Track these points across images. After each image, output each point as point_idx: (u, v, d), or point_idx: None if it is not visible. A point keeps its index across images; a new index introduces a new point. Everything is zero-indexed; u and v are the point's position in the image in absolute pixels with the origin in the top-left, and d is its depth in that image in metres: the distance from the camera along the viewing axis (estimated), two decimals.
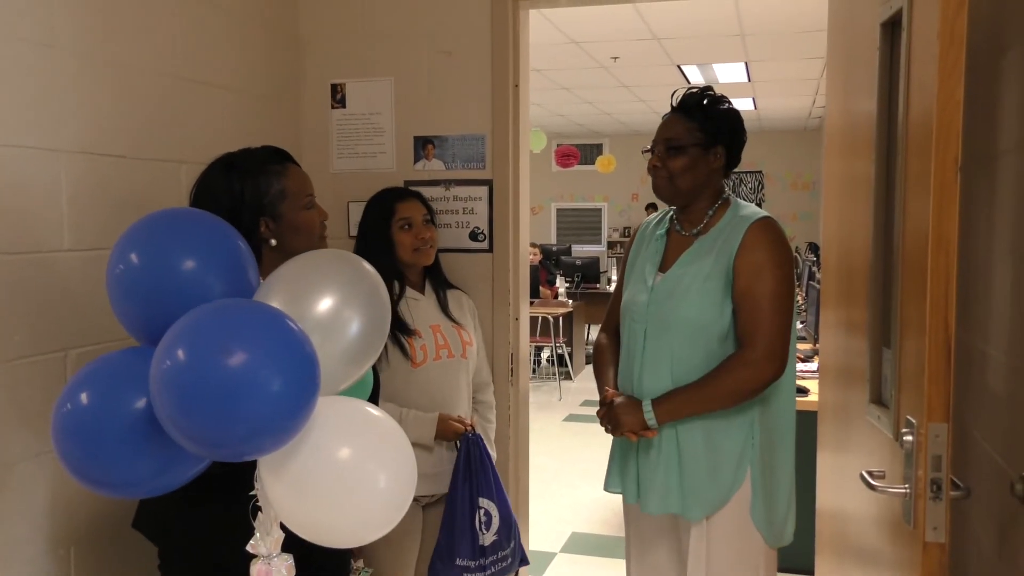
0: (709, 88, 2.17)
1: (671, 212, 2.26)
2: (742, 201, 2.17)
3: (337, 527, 1.40)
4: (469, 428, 2.37)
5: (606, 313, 2.40)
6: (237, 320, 1.31)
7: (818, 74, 8.39)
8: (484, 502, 2.30)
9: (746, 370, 1.99)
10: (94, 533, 1.99)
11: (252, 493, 1.44)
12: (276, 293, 1.44)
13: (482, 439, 2.38)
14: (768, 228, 2.06)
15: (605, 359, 2.30)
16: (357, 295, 1.48)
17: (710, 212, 2.14)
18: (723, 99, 2.17)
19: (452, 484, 2.32)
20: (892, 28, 1.72)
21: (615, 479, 2.25)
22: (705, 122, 2.11)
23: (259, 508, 1.44)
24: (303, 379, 1.30)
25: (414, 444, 2.32)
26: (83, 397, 1.36)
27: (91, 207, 1.97)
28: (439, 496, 2.44)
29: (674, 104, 2.17)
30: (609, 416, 2.12)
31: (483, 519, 2.30)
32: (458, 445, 2.35)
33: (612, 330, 2.33)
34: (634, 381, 2.14)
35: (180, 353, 1.25)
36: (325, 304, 1.44)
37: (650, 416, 2.03)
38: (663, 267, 2.17)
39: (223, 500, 1.55)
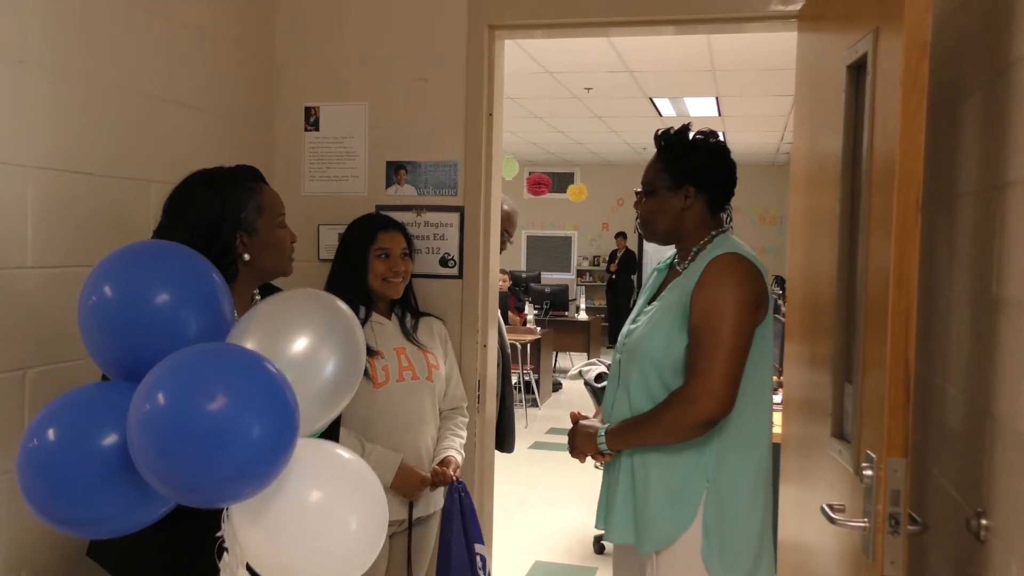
0: (686, 126, 2.17)
1: None
2: (732, 237, 2.14)
3: (308, 570, 1.39)
4: (454, 478, 2.39)
5: None
6: (217, 364, 1.31)
7: (787, 111, 8.55)
8: (479, 548, 2.35)
9: (681, 406, 1.97)
10: (49, 557, 1.94)
11: (219, 534, 1.43)
12: (251, 333, 1.43)
13: (465, 485, 2.41)
14: (727, 264, 2.01)
15: None
16: (332, 336, 1.49)
17: (695, 249, 2.13)
18: (696, 138, 2.15)
19: (447, 533, 2.34)
20: (857, 71, 1.76)
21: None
22: (671, 163, 2.12)
23: (225, 549, 1.42)
24: (283, 424, 1.30)
25: None
26: (50, 433, 1.33)
27: (57, 224, 1.95)
28: (405, 526, 2.42)
29: (656, 145, 2.20)
30: (569, 437, 2.20)
31: (480, 564, 2.35)
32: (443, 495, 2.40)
33: None
34: (607, 409, 2.20)
35: (160, 397, 1.25)
36: (300, 344, 1.44)
37: (601, 441, 2.10)
38: (652, 300, 2.21)
39: (182, 532, 1.53)
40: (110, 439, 1.32)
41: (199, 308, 1.43)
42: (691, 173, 2.11)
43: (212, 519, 1.45)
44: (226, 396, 1.25)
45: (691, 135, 2.15)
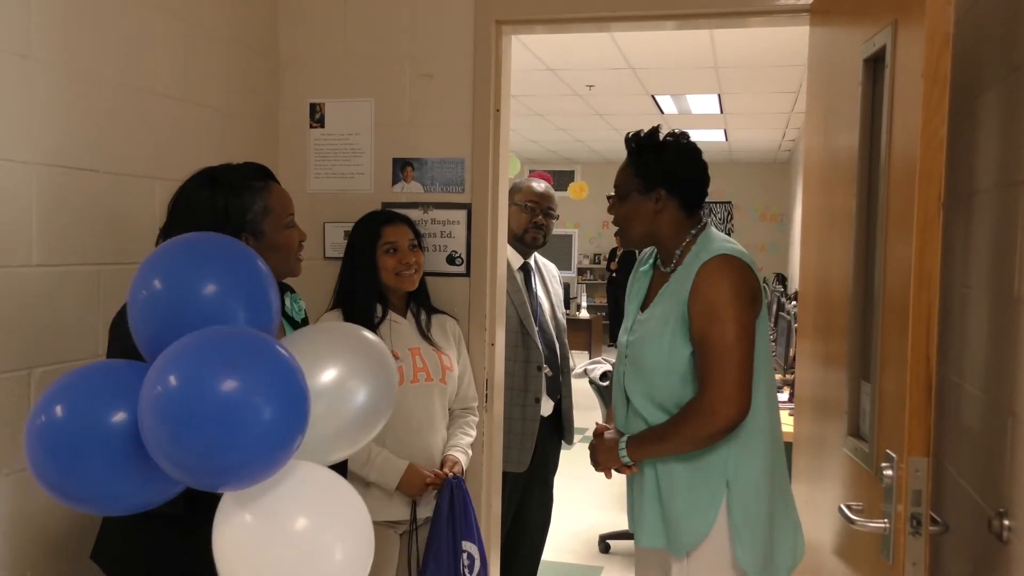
0: (656, 128, 2.15)
1: None
2: (714, 233, 2.11)
3: None
4: (449, 475, 2.35)
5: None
6: (229, 346, 1.29)
7: (789, 108, 8.52)
8: (467, 545, 2.30)
9: (701, 417, 1.97)
10: (53, 558, 1.92)
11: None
12: None
13: (464, 482, 2.37)
14: (719, 266, 1.98)
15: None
16: (363, 367, 1.50)
17: (678, 251, 2.10)
18: (665, 139, 2.12)
19: (435, 529, 2.30)
20: (875, 64, 1.74)
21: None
22: (640, 167, 2.09)
23: None
24: (294, 409, 1.29)
25: (374, 484, 2.30)
26: (58, 410, 1.32)
27: (62, 221, 1.92)
28: (419, 523, 2.40)
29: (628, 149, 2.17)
30: (591, 451, 2.18)
31: (467, 563, 2.30)
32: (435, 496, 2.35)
33: None
34: (619, 420, 2.19)
35: (172, 378, 1.23)
36: (330, 375, 1.46)
37: (623, 454, 2.08)
38: (644, 305, 2.18)
39: (182, 543, 1.52)
40: (119, 416, 1.31)
41: (247, 300, 1.42)
42: (661, 175, 2.07)
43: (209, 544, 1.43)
44: (237, 377, 1.24)
45: (661, 136, 2.12)
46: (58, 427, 1.31)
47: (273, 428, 1.25)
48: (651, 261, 2.23)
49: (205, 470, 1.25)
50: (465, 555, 2.29)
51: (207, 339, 1.30)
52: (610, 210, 2.17)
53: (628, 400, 2.14)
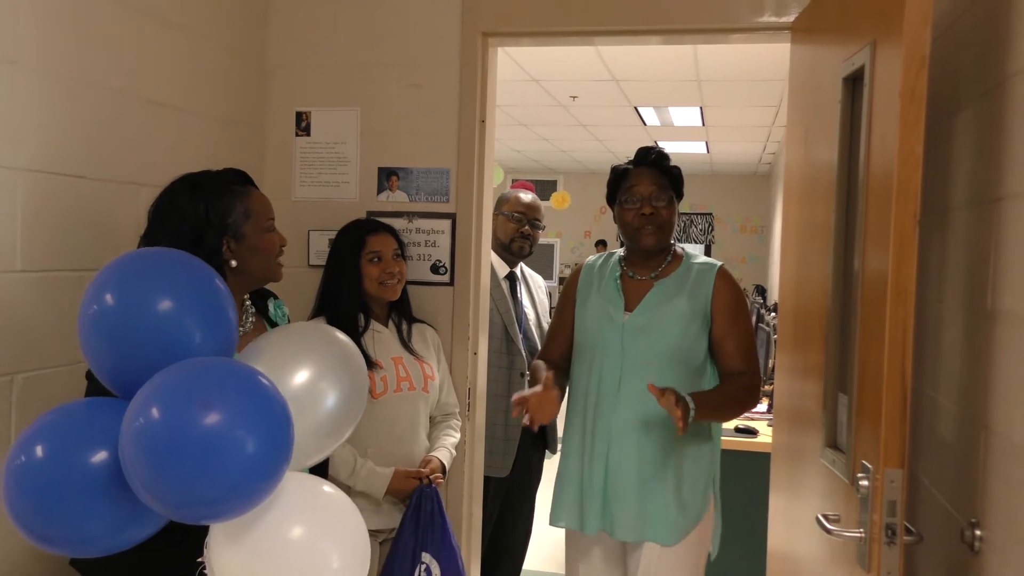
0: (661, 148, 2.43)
1: (616, 257, 2.43)
2: (689, 247, 2.43)
3: None
4: (426, 480, 2.35)
5: (544, 345, 2.55)
6: (211, 379, 1.29)
7: (770, 121, 8.61)
8: (426, 557, 2.28)
9: (755, 393, 2.27)
10: (39, 567, 1.91)
11: (200, 559, 1.41)
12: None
13: (438, 493, 2.36)
14: (729, 275, 2.35)
15: (545, 368, 2.38)
16: (333, 368, 1.50)
17: (669, 258, 2.35)
18: None
19: (398, 535, 2.30)
20: (854, 83, 1.77)
21: (560, 512, 2.31)
22: (674, 179, 2.36)
23: (205, 575, 1.41)
24: (278, 440, 1.29)
25: (361, 494, 2.30)
26: (38, 450, 1.31)
27: (47, 227, 1.92)
28: (389, 532, 2.41)
29: (649, 160, 2.35)
30: (672, 399, 1.97)
31: (423, 574, 2.27)
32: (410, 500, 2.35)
33: (549, 359, 2.46)
34: (609, 415, 2.25)
35: (154, 411, 1.23)
36: (300, 378, 1.45)
37: (693, 410, 2.01)
38: (629, 307, 2.32)
39: (164, 554, 1.51)
40: (98, 457, 1.30)
41: (203, 317, 1.40)
42: (680, 190, 2.38)
43: (195, 542, 1.44)
44: (220, 410, 1.23)
45: None
46: (35, 468, 1.30)
47: (256, 458, 1.25)
48: (618, 270, 2.39)
49: (187, 502, 1.25)
50: (422, 566, 2.26)
51: (188, 371, 1.30)
52: (661, 208, 2.30)
53: (618, 396, 2.23)
